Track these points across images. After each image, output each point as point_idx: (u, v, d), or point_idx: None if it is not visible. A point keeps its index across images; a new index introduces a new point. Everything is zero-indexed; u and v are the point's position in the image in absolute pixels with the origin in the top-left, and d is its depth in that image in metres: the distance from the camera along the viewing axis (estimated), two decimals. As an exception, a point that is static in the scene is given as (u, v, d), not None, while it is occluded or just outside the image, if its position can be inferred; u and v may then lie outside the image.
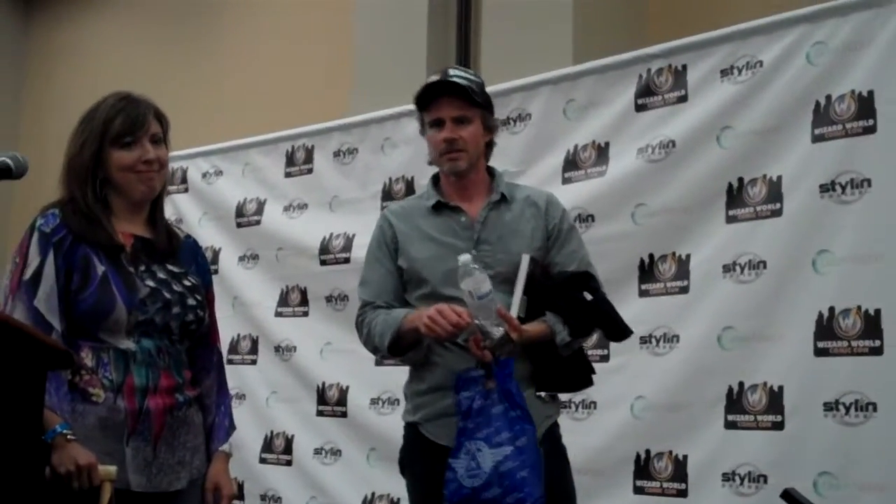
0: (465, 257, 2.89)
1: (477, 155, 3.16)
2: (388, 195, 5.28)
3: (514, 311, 2.94)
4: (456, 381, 2.95)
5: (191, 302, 2.89)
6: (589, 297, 3.05)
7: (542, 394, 3.09)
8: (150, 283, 2.82)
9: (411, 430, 3.15)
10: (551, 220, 3.17)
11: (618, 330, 3.16)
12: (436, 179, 3.27)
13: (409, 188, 5.19)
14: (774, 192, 4.01)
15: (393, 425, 4.96)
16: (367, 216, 5.32)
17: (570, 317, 3.00)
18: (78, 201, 2.81)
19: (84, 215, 2.79)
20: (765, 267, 3.97)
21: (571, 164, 4.65)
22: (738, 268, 4.04)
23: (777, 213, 4.00)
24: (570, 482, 3.13)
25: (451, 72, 3.15)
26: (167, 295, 2.83)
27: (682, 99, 4.33)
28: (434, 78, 3.16)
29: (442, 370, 3.03)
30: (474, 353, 2.90)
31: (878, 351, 3.67)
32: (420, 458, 3.10)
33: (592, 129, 4.59)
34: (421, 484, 3.09)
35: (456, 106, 3.09)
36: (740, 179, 4.11)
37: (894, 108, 3.76)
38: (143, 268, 2.83)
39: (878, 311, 3.69)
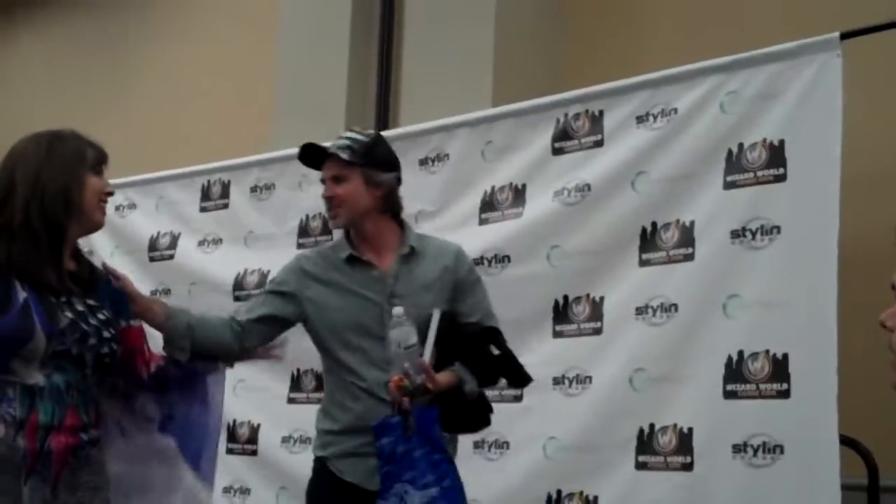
0: (399, 310, 3.05)
1: (360, 211, 3.26)
2: (304, 232, 5.26)
3: (426, 360, 3.08)
4: (375, 429, 3.08)
5: (105, 335, 2.85)
6: (496, 351, 3.25)
7: (445, 434, 3.23)
8: (69, 314, 2.77)
9: (320, 464, 3.28)
10: (459, 273, 3.32)
11: (520, 378, 3.39)
12: (348, 231, 3.36)
13: (326, 225, 5.17)
14: (687, 236, 4.08)
15: (304, 464, 4.88)
16: (283, 252, 5.26)
17: (479, 369, 3.21)
18: (34, 226, 2.75)
19: (32, 243, 2.74)
20: (676, 310, 4.04)
21: (488, 205, 4.69)
22: (650, 310, 4.10)
23: (689, 258, 4.07)
24: None
25: (343, 133, 3.32)
26: (85, 327, 2.79)
27: (599, 143, 4.40)
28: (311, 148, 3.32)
29: (355, 415, 3.19)
30: (395, 399, 3.03)
31: (785, 394, 3.75)
32: (326, 492, 3.24)
33: (510, 170, 4.64)
34: None
35: (332, 166, 3.26)
36: (654, 224, 4.18)
37: (804, 157, 3.87)
38: (63, 298, 2.79)
39: (785, 356, 3.76)
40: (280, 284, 3.33)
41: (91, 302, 2.85)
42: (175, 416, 3.06)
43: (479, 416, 3.34)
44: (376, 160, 3.29)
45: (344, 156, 3.23)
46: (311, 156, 3.34)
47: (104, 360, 2.84)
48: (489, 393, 4.27)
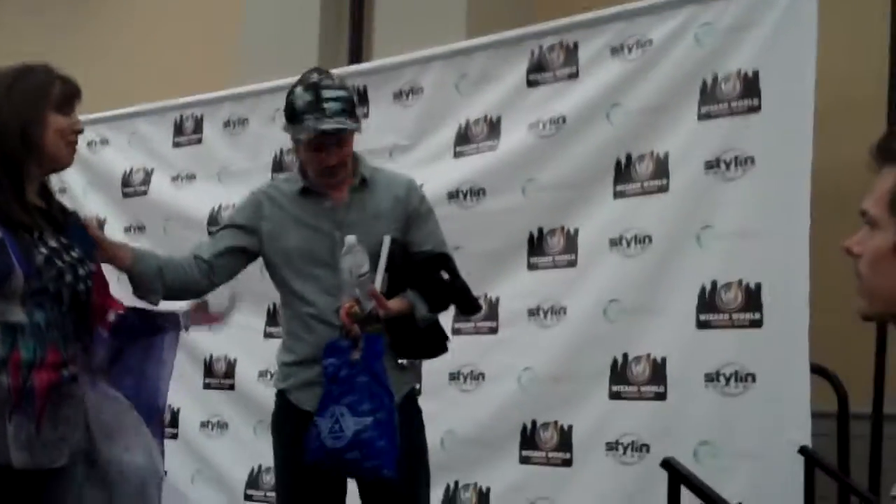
0: (351, 238, 3.08)
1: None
2: (278, 166, 5.24)
3: (377, 287, 3.12)
4: (325, 347, 3.14)
5: (80, 272, 2.83)
6: (446, 276, 3.27)
7: (403, 361, 3.31)
8: (44, 250, 2.75)
9: (280, 396, 3.35)
10: (411, 204, 3.32)
11: (469, 305, 3.45)
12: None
13: (301, 160, 5.15)
14: (661, 168, 4.09)
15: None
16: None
17: (430, 295, 3.24)
18: None
19: None
20: (650, 241, 4.06)
21: (463, 138, 4.67)
22: (624, 242, 4.12)
23: (663, 189, 4.08)
24: (423, 439, 3.35)
25: (326, 94, 3.14)
26: (60, 263, 2.77)
27: (574, 76, 4.38)
28: (308, 100, 3.14)
29: (310, 345, 3.22)
30: (344, 324, 3.08)
31: (757, 324, 3.78)
32: (286, 421, 3.31)
33: (484, 103, 4.62)
34: (286, 445, 3.30)
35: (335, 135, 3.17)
36: (628, 156, 4.18)
37: (779, 88, 3.86)
38: (37, 235, 2.77)
39: (758, 286, 3.79)
40: (237, 217, 3.34)
41: (63, 240, 2.84)
42: (131, 370, 3.04)
43: (434, 343, 3.37)
44: (356, 110, 3.28)
45: (350, 124, 3.18)
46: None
47: (80, 298, 2.83)
48: (464, 325, 4.34)
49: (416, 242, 3.31)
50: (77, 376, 2.84)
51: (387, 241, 3.18)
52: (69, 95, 2.82)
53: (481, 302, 4.09)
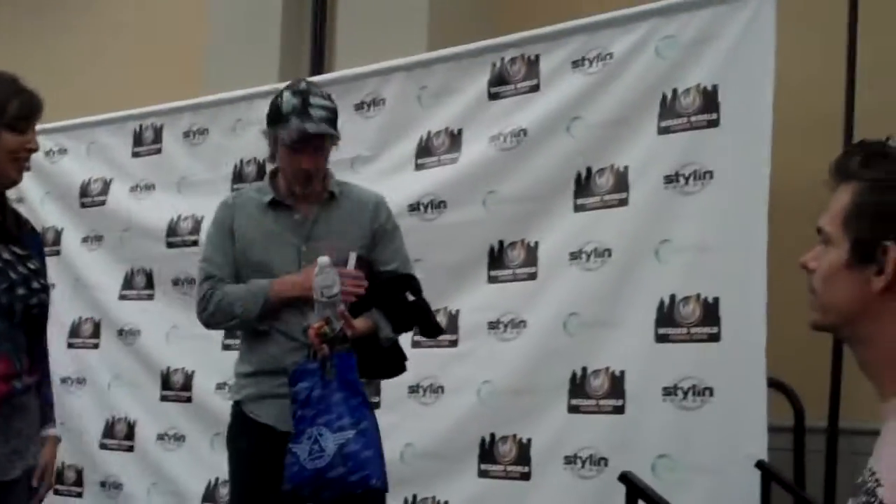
0: (324, 259, 3.09)
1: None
2: (238, 177, 5.21)
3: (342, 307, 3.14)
4: (292, 374, 3.13)
5: (35, 285, 2.80)
6: (411, 297, 3.32)
7: (362, 380, 3.26)
8: None
9: (236, 407, 3.37)
10: (378, 220, 3.37)
11: (432, 328, 3.52)
12: (273, 174, 3.41)
13: (261, 170, 5.11)
14: (621, 181, 4.09)
15: (239, 410, 4.92)
16: (217, 198, 5.14)
17: (394, 315, 3.28)
18: None
19: None
20: (610, 255, 4.05)
21: (424, 150, 4.66)
22: (584, 255, 4.11)
23: (623, 203, 4.08)
24: None
25: (313, 101, 3.22)
26: (12, 275, 2.73)
27: (535, 88, 4.38)
28: (295, 104, 3.21)
29: (268, 356, 3.26)
30: (314, 344, 3.09)
31: (715, 337, 3.79)
32: (242, 433, 3.33)
33: (446, 116, 4.61)
34: (241, 457, 3.33)
35: (319, 140, 3.25)
36: (588, 169, 4.18)
37: (737, 103, 3.88)
38: None
39: (716, 300, 3.80)
40: (223, 224, 3.36)
41: (17, 251, 2.79)
42: None
43: (394, 363, 3.42)
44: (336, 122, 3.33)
45: (333, 131, 3.27)
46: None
47: (32, 311, 2.79)
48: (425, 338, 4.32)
49: (382, 260, 3.36)
50: (30, 388, 2.81)
51: (352, 257, 3.21)
52: (27, 114, 2.76)
53: (441, 315, 4.11)
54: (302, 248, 3.26)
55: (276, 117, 3.27)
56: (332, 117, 3.27)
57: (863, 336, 1.46)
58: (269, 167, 3.55)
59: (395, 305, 3.29)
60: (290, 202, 3.30)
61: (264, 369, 3.25)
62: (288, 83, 3.41)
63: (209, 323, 3.42)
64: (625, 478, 3.08)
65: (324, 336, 3.07)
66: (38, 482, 2.86)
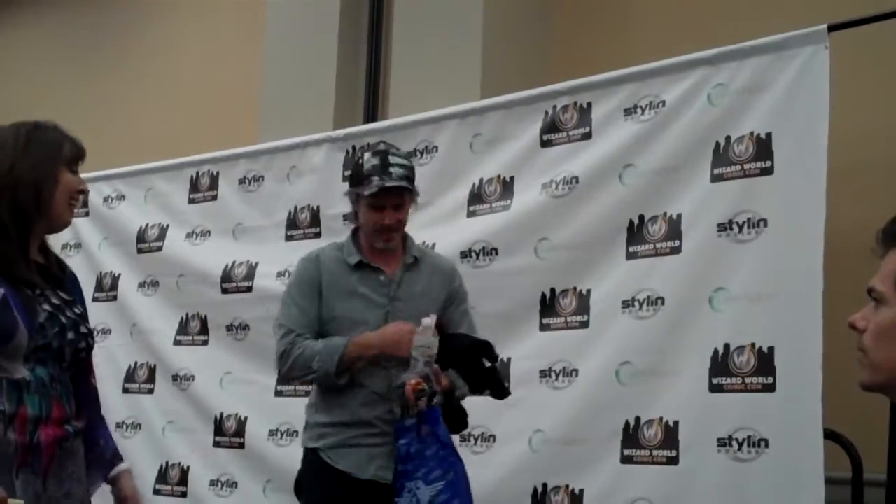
0: (427, 320, 3.35)
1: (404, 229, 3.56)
2: (292, 224, 5.26)
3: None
4: (395, 430, 3.35)
5: (83, 330, 2.83)
6: (487, 364, 3.53)
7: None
8: (47, 307, 2.75)
9: (312, 454, 3.47)
10: (453, 285, 3.62)
11: (502, 391, 3.66)
12: (354, 234, 3.58)
13: (315, 217, 5.18)
14: (674, 229, 4.07)
15: (291, 456, 4.89)
16: (271, 245, 5.30)
17: (471, 378, 3.52)
18: (2, 219, 2.72)
19: (3, 236, 2.71)
20: (663, 303, 4.03)
21: (476, 197, 4.68)
22: (636, 303, 4.09)
23: (676, 251, 4.06)
24: None
25: (393, 160, 3.46)
26: (63, 320, 2.77)
27: (587, 136, 4.39)
28: (376, 164, 3.44)
29: (350, 409, 3.41)
30: (409, 400, 3.30)
31: (770, 388, 3.73)
32: (320, 480, 3.43)
33: (498, 163, 4.63)
34: (320, 502, 3.43)
35: (398, 194, 3.46)
36: (641, 216, 4.16)
37: (791, 150, 3.85)
38: (38, 292, 2.76)
39: (771, 349, 3.75)
40: (310, 280, 3.49)
41: (64, 296, 2.83)
42: None
43: (461, 420, 3.60)
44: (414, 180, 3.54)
45: (411, 186, 3.49)
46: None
47: (80, 355, 2.82)
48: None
49: (453, 321, 3.58)
50: (79, 432, 2.83)
51: (433, 319, 3.39)
52: (77, 155, 2.84)
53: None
54: (388, 308, 3.45)
55: (357, 177, 3.47)
56: (410, 175, 3.48)
57: None
58: (351, 226, 3.69)
59: (474, 369, 3.50)
60: (376, 263, 3.48)
61: (345, 421, 3.41)
62: (367, 145, 3.73)
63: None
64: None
65: (421, 393, 3.27)
66: None
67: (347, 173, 3.55)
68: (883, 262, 1.52)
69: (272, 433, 5.06)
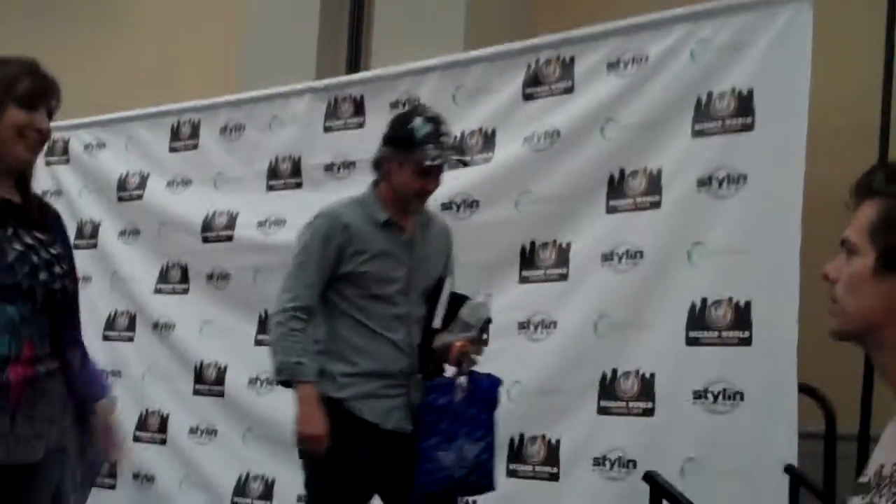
0: (488, 294, 3.79)
1: None
2: (273, 174, 5.25)
3: (436, 323, 3.49)
4: (438, 387, 3.45)
5: (57, 270, 2.79)
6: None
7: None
8: (18, 246, 2.73)
9: (337, 405, 3.43)
10: (450, 247, 3.71)
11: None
12: (375, 186, 3.58)
13: (296, 167, 5.17)
14: (654, 184, 4.10)
15: (270, 405, 4.95)
16: (252, 194, 5.29)
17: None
18: None
19: None
20: (642, 257, 4.06)
21: (458, 149, 4.67)
22: (616, 257, 4.12)
23: (656, 206, 4.09)
24: None
25: (443, 129, 3.52)
26: (35, 259, 2.74)
27: (569, 90, 4.39)
28: (428, 131, 3.47)
29: (374, 359, 3.46)
30: (452, 359, 3.44)
31: (746, 342, 3.79)
32: (348, 430, 3.40)
33: (480, 115, 4.63)
34: (346, 453, 3.39)
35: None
36: (622, 171, 4.19)
37: (772, 107, 3.88)
38: (10, 231, 2.74)
39: (748, 304, 3.80)
40: (331, 241, 3.47)
41: (40, 235, 2.80)
42: None
43: None
44: None
45: (467, 160, 3.70)
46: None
47: (55, 296, 2.80)
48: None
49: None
50: (54, 372, 2.82)
51: (449, 281, 3.56)
52: (39, 93, 2.71)
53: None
54: (410, 265, 3.52)
55: (409, 142, 3.47)
56: (456, 145, 3.60)
57: (885, 341, 1.52)
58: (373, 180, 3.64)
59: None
60: (401, 223, 3.53)
61: (371, 371, 3.46)
62: (414, 108, 3.89)
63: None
64: (649, 478, 3.09)
65: (464, 356, 3.41)
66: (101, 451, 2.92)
67: (388, 133, 3.57)
68: (858, 213, 1.56)
69: (252, 381, 5.09)
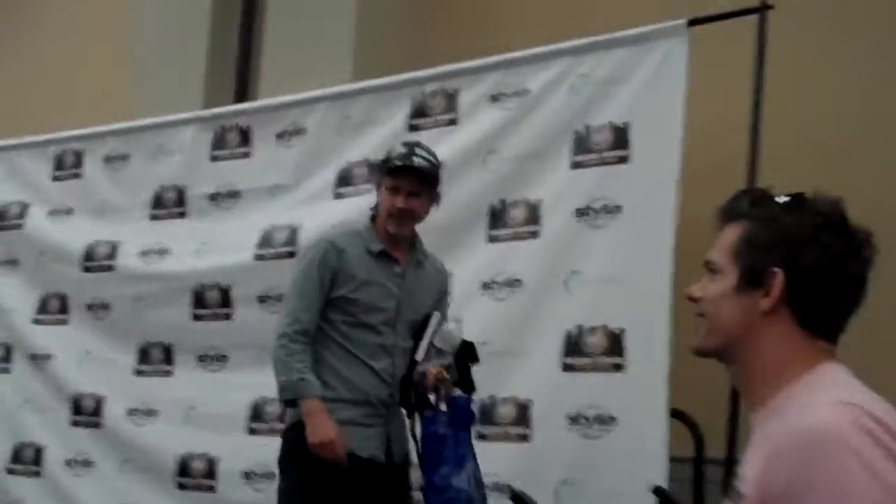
0: (453, 325, 3.71)
1: (419, 222, 3.66)
2: (158, 203, 5.21)
3: (419, 356, 3.56)
4: (428, 419, 3.49)
5: None
6: (472, 364, 3.69)
7: None
8: None
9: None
10: (445, 286, 3.80)
11: (472, 388, 3.68)
12: (372, 220, 3.64)
13: (181, 197, 5.14)
14: (533, 214, 4.18)
15: (149, 436, 4.89)
16: (135, 224, 5.24)
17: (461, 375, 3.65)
18: None
19: None
20: (520, 285, 4.12)
21: (344, 180, 4.71)
22: (495, 285, 4.18)
23: (535, 235, 4.17)
24: None
25: (418, 151, 3.60)
26: None
27: (454, 122, 4.47)
28: (401, 151, 3.61)
29: (354, 388, 3.51)
30: (428, 385, 3.48)
31: (620, 368, 3.86)
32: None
33: (366, 146, 4.67)
34: (316, 478, 3.41)
35: (414, 181, 3.56)
36: (502, 201, 4.26)
37: (648, 141, 3.99)
38: None
39: (622, 331, 3.88)
40: (326, 265, 3.53)
41: None
42: None
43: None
44: (438, 181, 3.65)
45: (427, 166, 3.58)
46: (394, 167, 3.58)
47: None
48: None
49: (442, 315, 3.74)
50: None
51: (437, 317, 3.62)
52: None
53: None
54: (400, 297, 3.57)
55: (383, 162, 3.62)
56: (432, 170, 3.59)
57: (743, 356, 1.58)
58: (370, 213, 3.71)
59: (460, 367, 3.63)
60: (395, 255, 3.59)
61: (351, 398, 3.50)
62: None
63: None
64: (515, 497, 3.15)
65: (441, 382, 3.46)
66: None
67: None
68: (721, 236, 1.62)
69: (131, 412, 5.01)
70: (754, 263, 1.55)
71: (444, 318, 3.70)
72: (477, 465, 3.49)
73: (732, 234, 1.59)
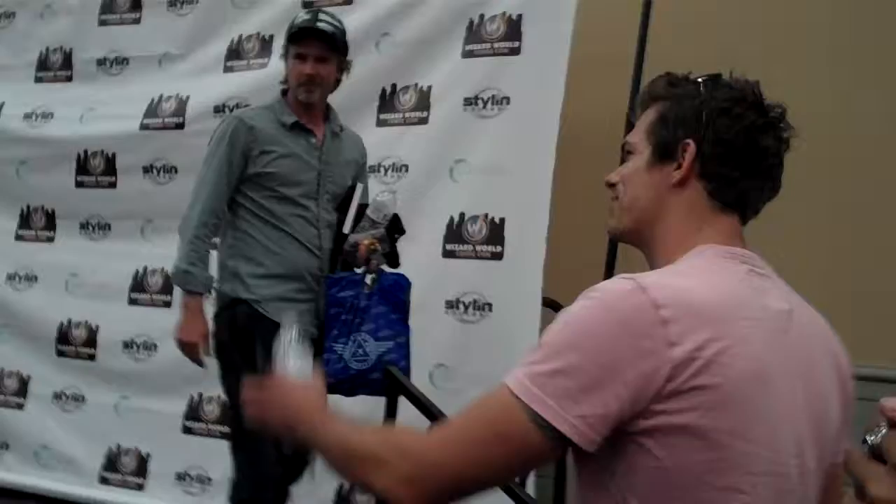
0: (393, 191, 3.70)
1: (328, 91, 3.61)
2: (43, 65, 5.09)
3: (346, 229, 3.53)
4: (336, 280, 3.45)
5: None
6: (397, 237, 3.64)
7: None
8: None
9: (247, 305, 3.45)
10: (363, 159, 3.78)
11: (397, 263, 3.64)
12: (283, 94, 3.61)
13: (67, 60, 5.04)
14: (423, 100, 4.21)
15: (29, 301, 4.86)
16: (20, 85, 5.11)
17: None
18: None
19: None
20: (407, 170, 4.18)
21: (235, 53, 4.66)
22: (382, 169, 4.22)
23: (424, 121, 4.21)
24: None
25: (322, 17, 3.58)
26: None
27: (349, 2, 4.44)
28: (305, 17, 3.59)
29: (284, 260, 3.47)
30: (362, 258, 3.43)
31: (499, 256, 3.97)
32: (261, 332, 3.26)
33: (259, 21, 4.63)
34: (260, 349, 3.26)
35: (320, 47, 3.52)
36: (393, 86, 4.28)
37: (539, 34, 4.03)
38: None
39: (502, 220, 3.98)
40: (237, 144, 3.46)
41: None
42: None
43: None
44: (346, 48, 3.61)
45: (338, 39, 3.55)
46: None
47: None
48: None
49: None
50: None
51: (360, 188, 3.59)
52: None
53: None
54: (320, 169, 3.53)
55: (288, 31, 3.56)
56: (337, 34, 3.55)
57: (652, 235, 1.59)
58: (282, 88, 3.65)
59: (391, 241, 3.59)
60: (309, 126, 3.54)
61: (281, 273, 3.46)
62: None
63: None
64: (387, 372, 3.24)
65: (373, 252, 3.41)
66: None
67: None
68: (640, 119, 1.64)
69: (10, 277, 4.96)
70: (667, 137, 1.58)
71: (366, 189, 3.68)
72: (392, 350, 3.40)
73: (649, 114, 1.62)
